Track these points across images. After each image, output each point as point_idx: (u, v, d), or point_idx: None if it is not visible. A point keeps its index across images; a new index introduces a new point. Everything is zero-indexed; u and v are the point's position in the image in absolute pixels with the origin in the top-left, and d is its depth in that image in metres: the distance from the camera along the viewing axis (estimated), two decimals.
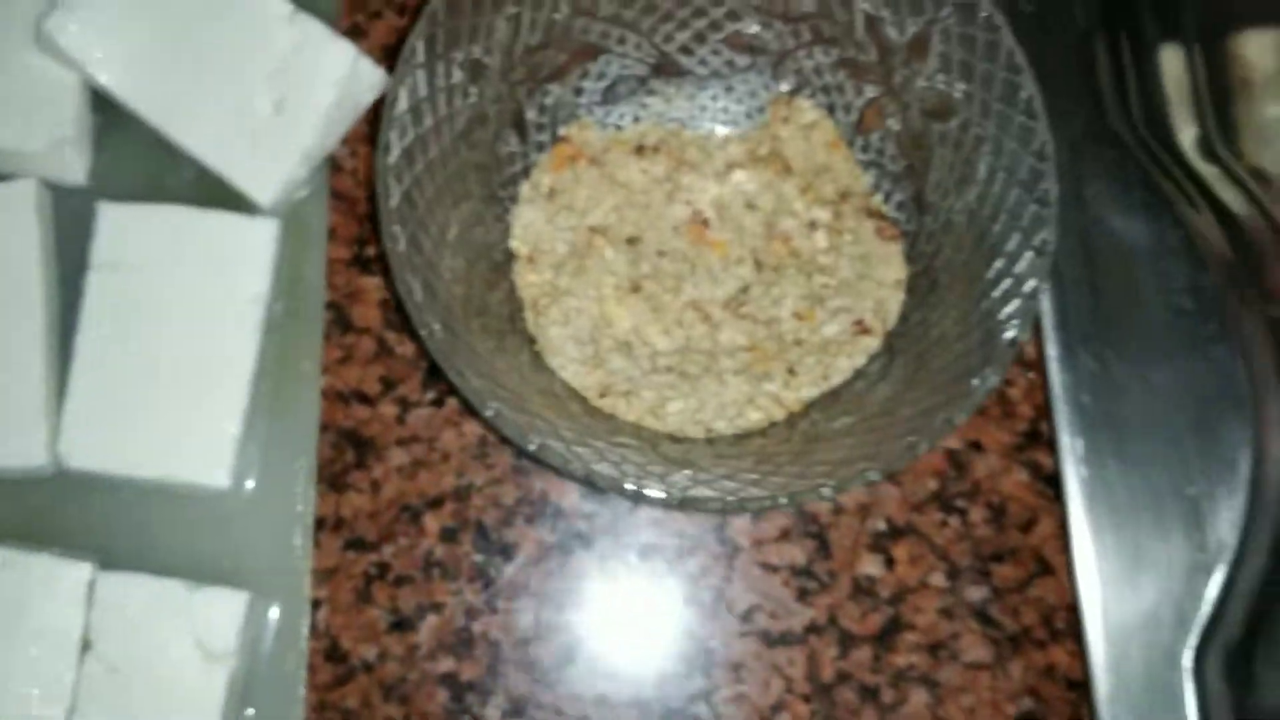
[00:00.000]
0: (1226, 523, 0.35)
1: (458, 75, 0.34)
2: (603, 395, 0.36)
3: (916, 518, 0.40)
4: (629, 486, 0.30)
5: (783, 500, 0.31)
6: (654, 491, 0.30)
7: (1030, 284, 0.32)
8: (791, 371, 0.37)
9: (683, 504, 0.30)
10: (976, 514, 0.40)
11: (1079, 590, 0.35)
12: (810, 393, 0.37)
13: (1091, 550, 0.35)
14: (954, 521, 0.40)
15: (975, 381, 0.31)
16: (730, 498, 0.30)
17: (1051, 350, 0.36)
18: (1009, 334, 0.32)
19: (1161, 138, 0.38)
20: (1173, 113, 0.39)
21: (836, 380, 0.37)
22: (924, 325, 0.36)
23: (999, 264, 0.33)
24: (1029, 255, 0.33)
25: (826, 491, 0.31)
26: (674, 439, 0.36)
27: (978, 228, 0.35)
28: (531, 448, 0.31)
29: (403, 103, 0.32)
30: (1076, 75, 0.37)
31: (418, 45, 0.32)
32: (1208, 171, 0.38)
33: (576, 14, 0.36)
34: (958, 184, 0.36)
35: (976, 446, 0.40)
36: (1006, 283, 0.33)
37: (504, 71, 0.35)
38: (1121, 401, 0.35)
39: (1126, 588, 0.35)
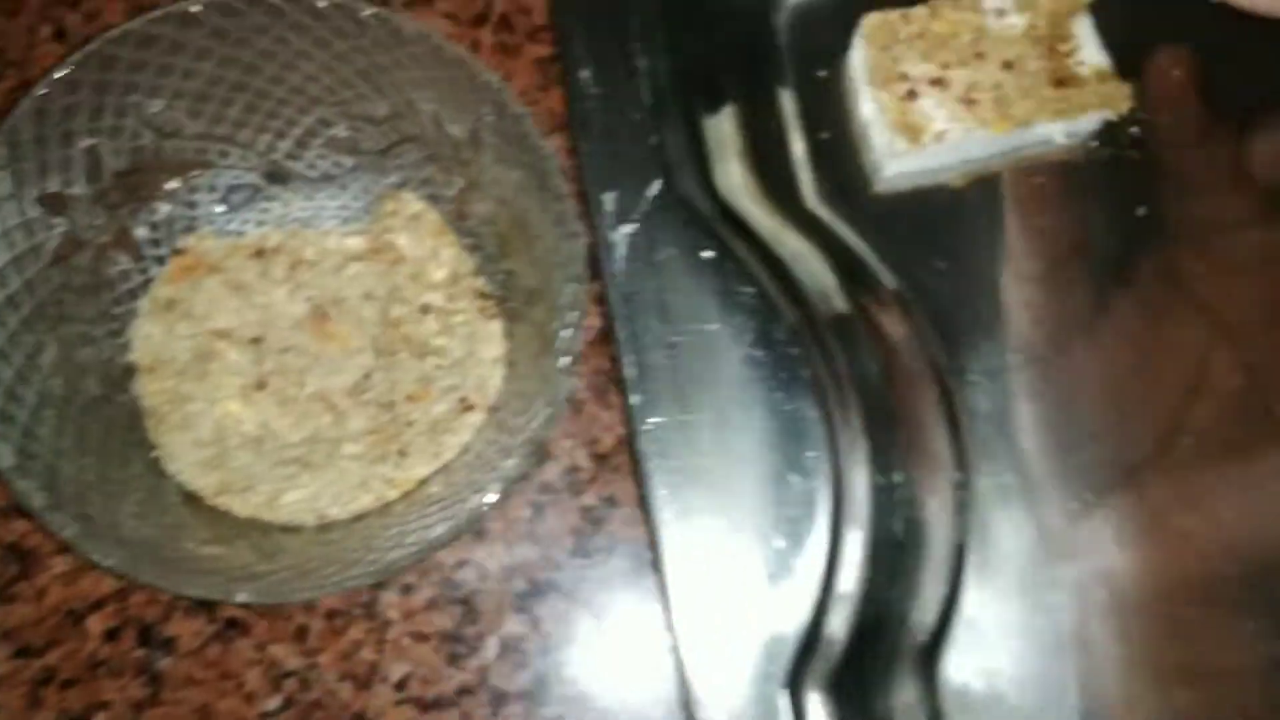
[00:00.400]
0: (810, 556, 0.37)
1: (34, 210, 0.36)
2: (219, 494, 0.38)
3: (554, 574, 0.42)
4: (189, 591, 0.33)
5: (348, 584, 0.33)
6: (205, 592, 0.32)
7: (564, 361, 0.34)
8: (403, 453, 0.39)
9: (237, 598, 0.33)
10: (616, 563, 0.42)
11: (680, 645, 0.37)
12: (422, 471, 0.39)
13: (685, 598, 0.37)
14: (594, 573, 0.42)
15: (510, 462, 0.33)
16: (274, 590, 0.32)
17: (634, 412, 0.38)
18: (539, 418, 0.34)
19: (726, 198, 0.40)
20: (736, 173, 0.41)
21: (448, 457, 0.39)
22: (518, 399, 0.38)
23: (555, 342, 0.36)
24: (568, 333, 0.35)
25: (370, 577, 0.33)
26: (286, 529, 0.38)
27: (544, 305, 0.37)
28: (103, 563, 0.33)
29: None
30: (648, 148, 0.40)
31: None
32: (776, 225, 0.40)
33: (163, 138, 0.38)
34: (530, 264, 0.38)
35: (611, 501, 0.42)
36: (553, 360, 0.35)
37: (96, 198, 0.38)
38: (705, 456, 0.37)
39: (720, 628, 0.37)
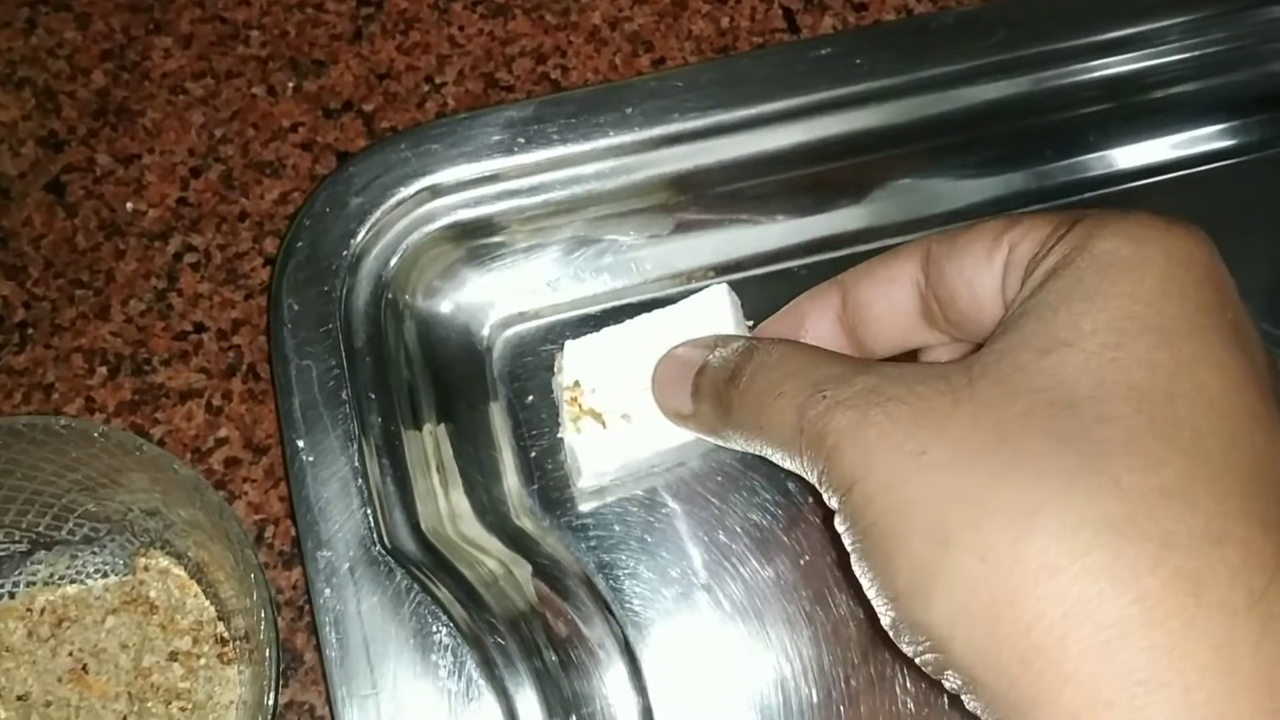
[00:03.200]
0: None
1: None
2: None
3: None
4: None
5: None
6: None
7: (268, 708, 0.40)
8: None
9: None
10: None
11: None
12: None
13: None
14: None
15: None
16: None
17: None
18: None
19: (432, 540, 0.47)
20: (444, 505, 0.48)
21: None
22: None
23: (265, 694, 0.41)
24: (269, 685, 0.40)
25: None
26: None
27: (259, 655, 0.43)
28: None
29: None
30: (357, 508, 0.46)
31: None
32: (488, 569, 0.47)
33: None
34: (251, 620, 0.44)
35: None
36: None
37: None
38: None
39: None
